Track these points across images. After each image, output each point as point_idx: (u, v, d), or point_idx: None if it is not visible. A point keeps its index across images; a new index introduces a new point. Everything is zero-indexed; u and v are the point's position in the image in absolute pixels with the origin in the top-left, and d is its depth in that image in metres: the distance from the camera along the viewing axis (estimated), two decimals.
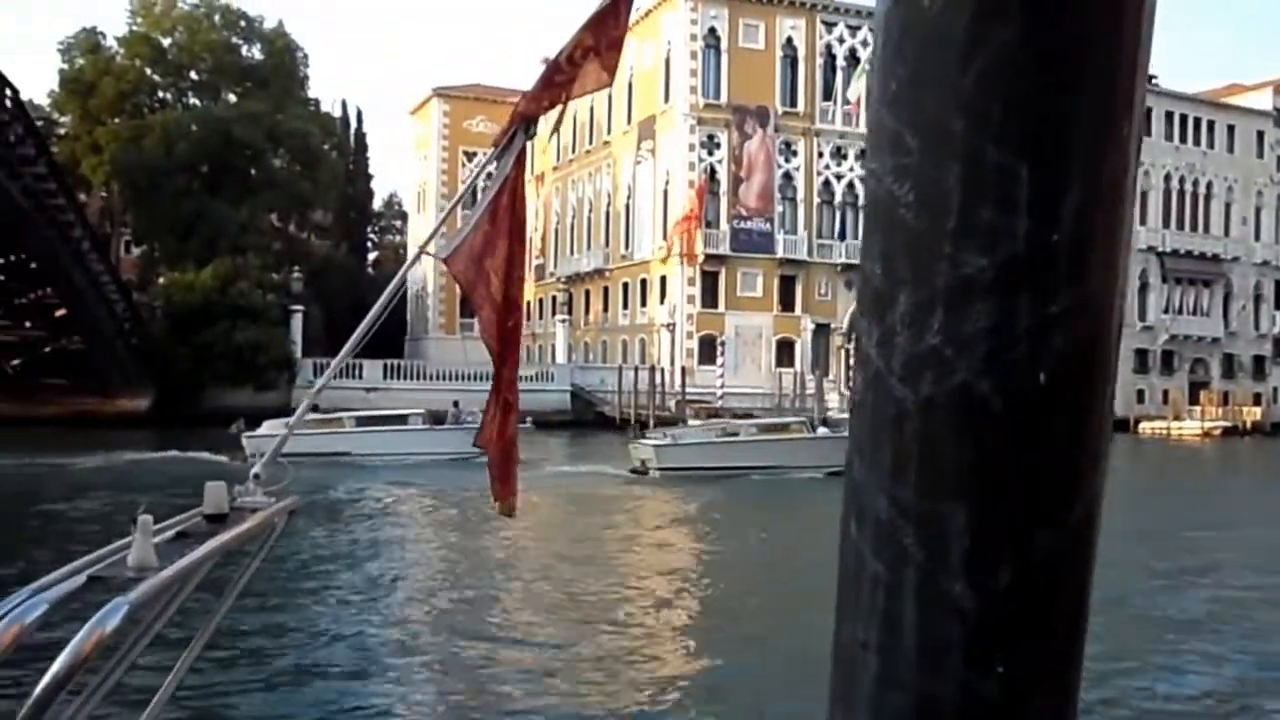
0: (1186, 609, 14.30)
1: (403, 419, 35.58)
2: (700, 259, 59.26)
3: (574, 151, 71.98)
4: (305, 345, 55.07)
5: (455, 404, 35.26)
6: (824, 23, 63.02)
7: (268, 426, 30.03)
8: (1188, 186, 72.09)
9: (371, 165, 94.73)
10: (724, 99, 61.20)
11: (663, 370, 54.47)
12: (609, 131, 68.47)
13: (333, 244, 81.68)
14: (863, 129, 57.24)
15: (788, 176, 62.71)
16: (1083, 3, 0.79)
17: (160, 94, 66.59)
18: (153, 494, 18.03)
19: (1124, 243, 0.84)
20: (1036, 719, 0.85)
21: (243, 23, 65.90)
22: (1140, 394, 66.11)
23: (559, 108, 3.68)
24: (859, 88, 61.26)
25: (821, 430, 31.91)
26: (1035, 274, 0.79)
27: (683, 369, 54.67)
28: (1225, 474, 43.21)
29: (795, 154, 62.88)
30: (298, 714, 9.76)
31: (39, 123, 52.87)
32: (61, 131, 65.60)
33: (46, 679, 1.62)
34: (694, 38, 60.85)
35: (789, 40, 62.48)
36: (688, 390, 51.40)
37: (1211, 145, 72.99)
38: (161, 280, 58.06)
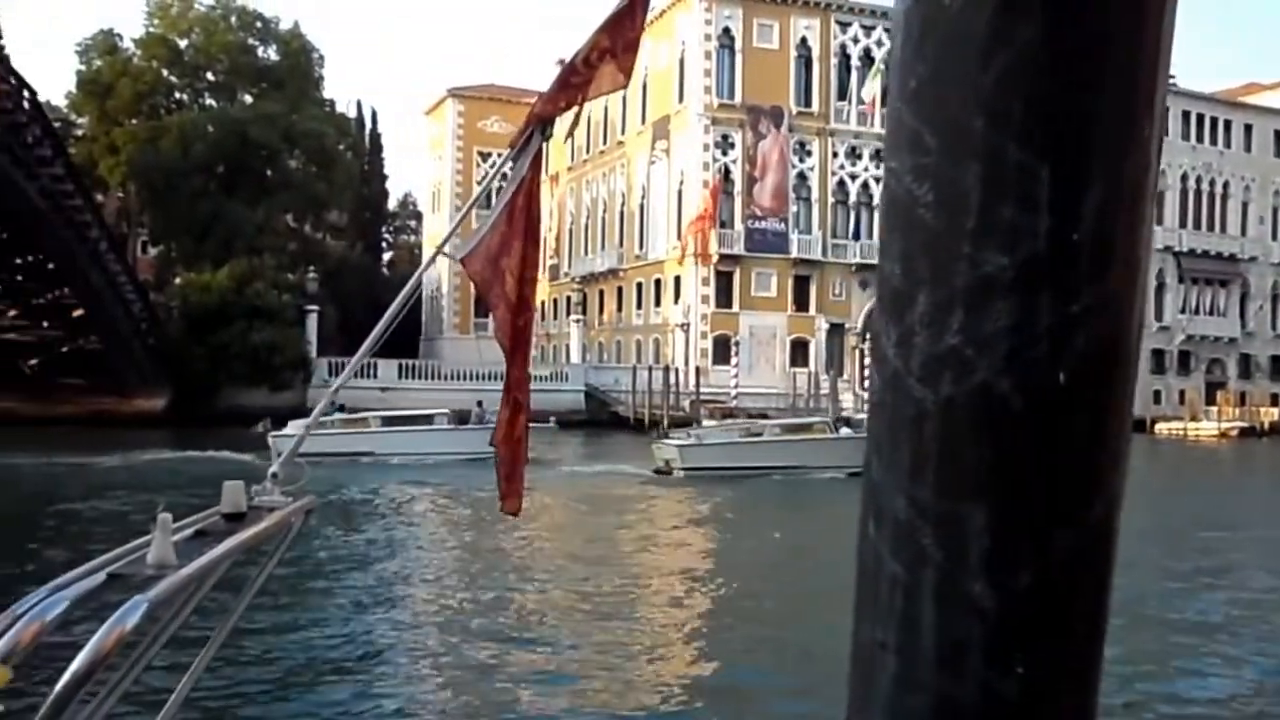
0: (1205, 611, 14.23)
1: (428, 419, 35.69)
2: (714, 259, 59.24)
3: (588, 151, 72.01)
4: (320, 345, 55.26)
5: (479, 404, 35.31)
6: (838, 22, 62.93)
7: (293, 427, 30.22)
8: (1204, 186, 71.76)
9: (386, 165, 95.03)
10: (738, 99, 61.16)
11: (677, 370, 54.49)
12: (623, 131, 68.50)
13: (348, 244, 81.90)
14: (877, 129, 57.31)
15: (802, 176, 62.65)
16: (1104, 1, 0.79)
17: (177, 95, 66.88)
18: (173, 493, 18.16)
19: (1145, 241, 0.84)
20: None
21: (259, 24, 66.16)
22: (1156, 394, 65.83)
23: (575, 109, 3.69)
24: (874, 87, 61.19)
25: (844, 431, 31.93)
26: (1056, 273, 0.79)
27: (697, 369, 54.66)
28: (1242, 475, 42.99)
29: (810, 154, 62.81)
30: (313, 713, 9.79)
31: (57, 124, 53.21)
32: (79, 132, 65.96)
33: (67, 676, 1.63)
34: (708, 38, 60.83)
35: (803, 40, 62.41)
36: (702, 390, 51.37)
37: (1229, 145, 72.64)
38: (178, 280, 58.31)
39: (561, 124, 3.84)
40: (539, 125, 3.60)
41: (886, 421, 0.87)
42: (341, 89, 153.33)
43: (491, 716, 9.73)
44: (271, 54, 66.80)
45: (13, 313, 48.68)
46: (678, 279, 61.43)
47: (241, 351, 51.00)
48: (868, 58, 62.65)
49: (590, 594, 14.72)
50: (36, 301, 48.25)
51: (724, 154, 61.22)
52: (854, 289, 62.27)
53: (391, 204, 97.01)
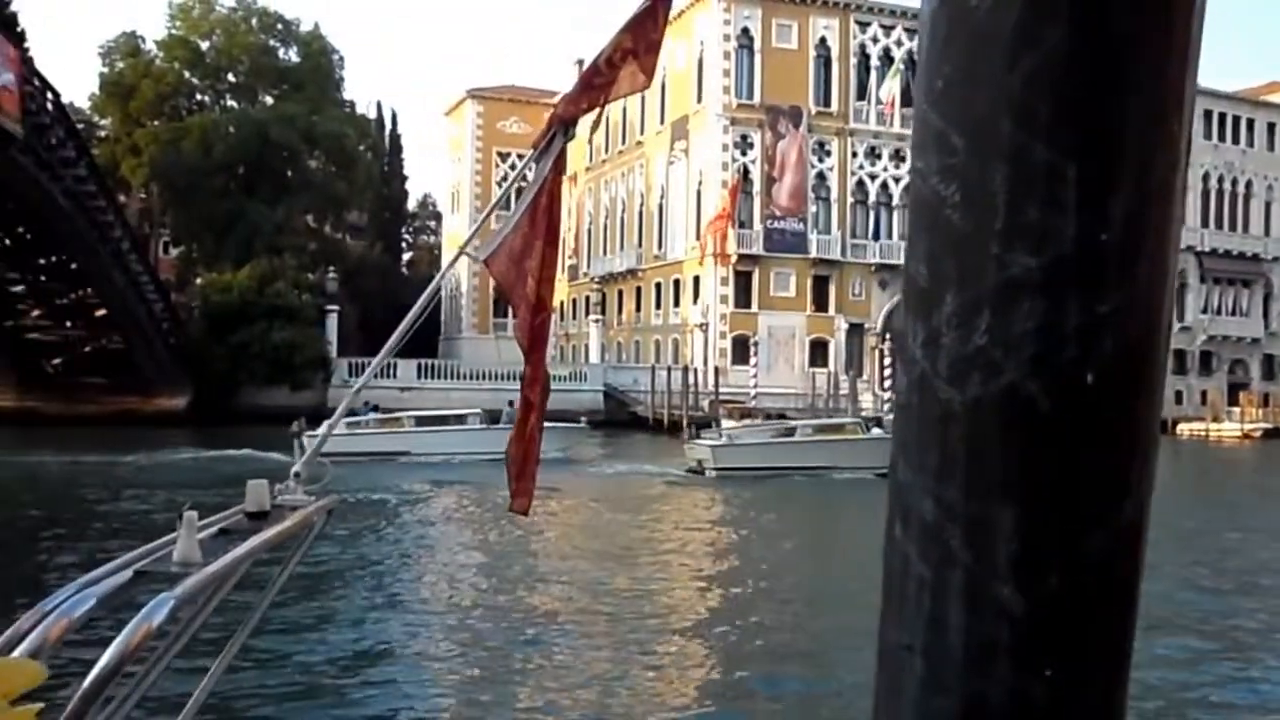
0: (1230, 614, 14.12)
1: (460, 419, 35.83)
2: (733, 259, 59.17)
3: (607, 151, 72.06)
4: (340, 345, 55.44)
5: (510, 403, 35.25)
6: (858, 22, 62.79)
7: (326, 426, 30.55)
8: (1226, 185, 71.29)
9: (406, 166, 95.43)
10: (757, 99, 61.09)
11: (696, 370, 54.45)
12: (642, 131, 68.51)
13: (367, 244, 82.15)
14: (897, 129, 57.08)
15: (821, 176, 62.53)
16: (1133, 1, 0.79)
17: (198, 96, 67.31)
18: (198, 492, 18.23)
19: (1174, 242, 0.83)
20: None
21: (279, 26, 66.48)
22: (1178, 395, 65.40)
23: (597, 110, 3.70)
24: (892, 87, 61.04)
25: (875, 431, 31.90)
26: (1084, 274, 0.79)
27: (716, 369, 54.61)
28: (1266, 476, 42.67)
29: (829, 154, 62.70)
30: (332, 711, 9.83)
31: (80, 125, 53.62)
32: (102, 134, 66.44)
33: (94, 672, 1.64)
34: (727, 38, 60.78)
35: (822, 40, 62.30)
36: (721, 390, 51.32)
37: (1251, 144, 72.16)
38: (199, 280, 58.67)
39: (583, 124, 3.85)
40: (561, 126, 3.61)
41: (913, 422, 0.87)
42: (362, 90, 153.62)
43: (514, 717, 9.75)
44: (292, 55, 67.12)
45: (36, 312, 48.99)
46: (696, 279, 61.39)
47: (262, 351, 51.24)
48: (887, 57, 62.50)
49: (624, 596, 14.63)
50: (60, 301, 48.55)
51: (743, 154, 61.16)
52: (873, 289, 62.12)
53: (411, 204, 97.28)
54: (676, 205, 64.71)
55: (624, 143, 70.58)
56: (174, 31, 64.56)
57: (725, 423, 40.22)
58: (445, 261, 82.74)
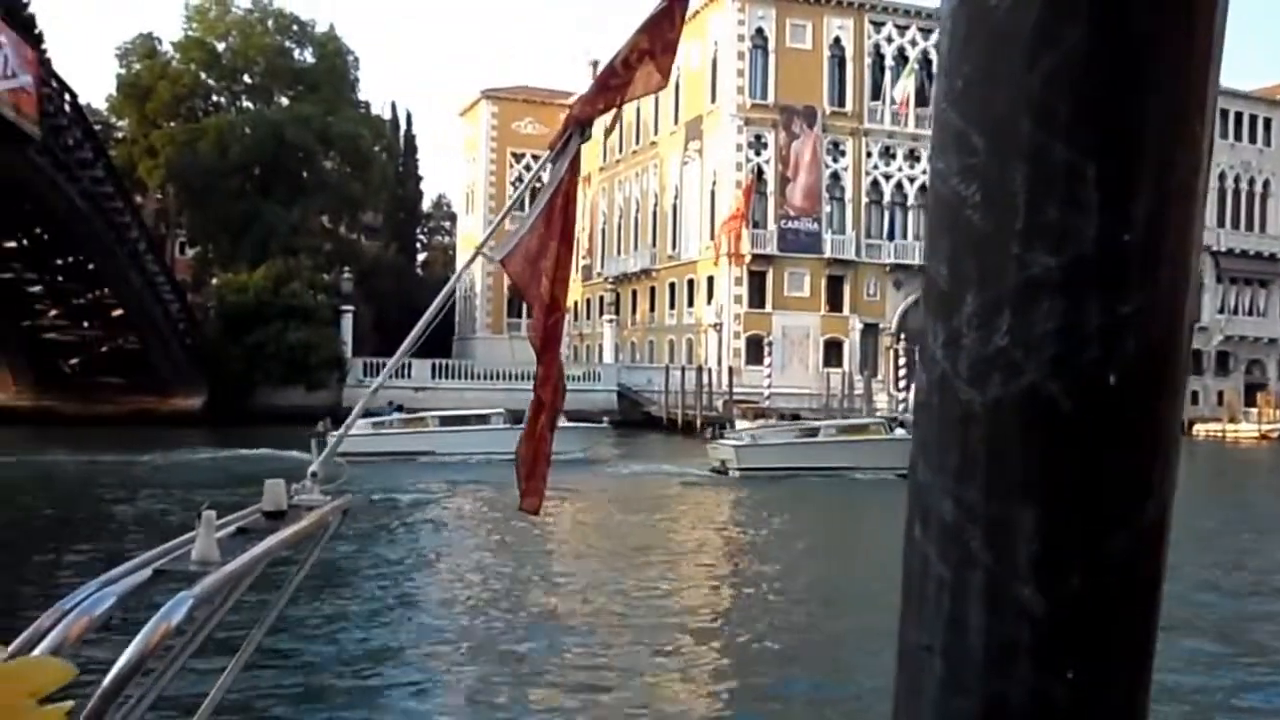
0: (1250, 617, 14.06)
1: (483, 418, 35.94)
2: (747, 259, 59.12)
3: (621, 152, 72.04)
4: (355, 345, 55.53)
5: None
6: (872, 22, 62.68)
7: (345, 426, 30.82)
8: (1243, 185, 70.91)
9: (421, 167, 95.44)
10: (771, 99, 61.03)
11: (709, 370, 54.42)
12: (656, 132, 68.49)
13: (382, 245, 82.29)
14: (911, 129, 56.84)
15: (835, 176, 62.44)
16: (1153, 0, 0.78)
17: (214, 98, 67.53)
18: (215, 491, 18.31)
19: (1195, 242, 0.82)
20: None
21: (295, 27, 66.67)
22: (1195, 395, 65.03)
23: (614, 110, 3.70)
24: (906, 86, 60.92)
25: (898, 432, 31.88)
26: (1106, 274, 0.78)
27: (730, 369, 54.57)
28: None
29: (843, 154, 62.60)
30: (348, 710, 9.85)
31: (97, 126, 53.88)
32: (119, 135, 66.70)
33: (115, 670, 1.65)
34: (741, 38, 60.73)
35: (837, 40, 62.20)
36: (735, 390, 51.28)
37: (1268, 143, 71.75)
38: (215, 281, 58.87)
39: (599, 125, 3.86)
40: (577, 128, 3.62)
41: (933, 423, 0.86)
42: (377, 91, 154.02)
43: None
44: (307, 56, 67.31)
45: (54, 312, 49.22)
46: (710, 279, 61.36)
47: (277, 351, 51.38)
48: (901, 57, 62.38)
49: (645, 597, 14.61)
50: (77, 301, 48.77)
51: (757, 154, 61.11)
52: (888, 289, 62.00)
53: (426, 205, 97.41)
54: (690, 205, 64.68)
55: (638, 143, 70.57)
56: (190, 33, 64.81)
57: (739, 423, 40.25)
58: (460, 262, 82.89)
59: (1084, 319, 0.78)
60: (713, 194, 62.32)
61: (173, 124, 63.81)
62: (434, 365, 53.18)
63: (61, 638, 1.68)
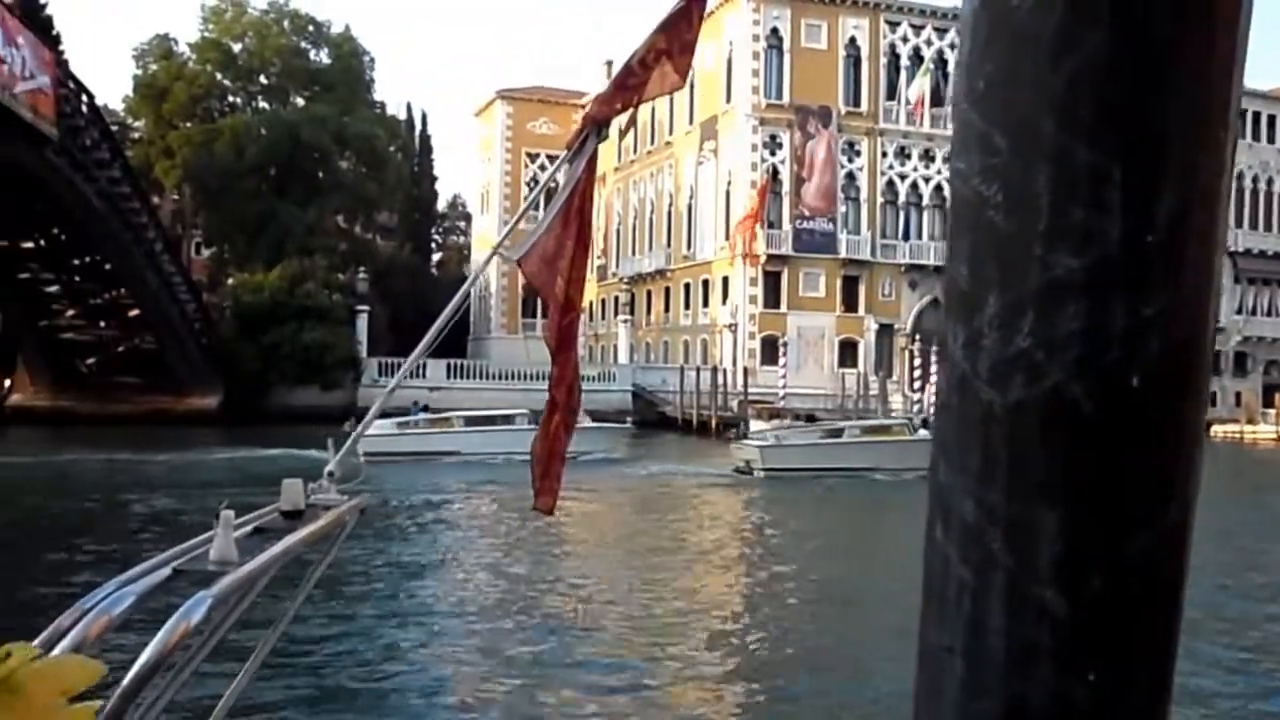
0: (1272, 618, 13.98)
1: (509, 419, 36.06)
2: (762, 259, 59.05)
3: (636, 152, 72.05)
4: (370, 345, 55.66)
5: None
6: (887, 22, 62.54)
7: (377, 426, 31.24)
8: (1261, 185, 70.50)
9: (436, 167, 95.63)
10: (786, 99, 60.95)
11: (724, 370, 54.37)
12: (671, 132, 68.47)
13: (397, 245, 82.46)
14: (926, 129, 56.51)
15: (851, 176, 62.33)
16: (1176, 3, 0.78)
17: (230, 98, 67.77)
18: (232, 491, 18.33)
19: (1219, 244, 0.82)
20: None
21: (311, 28, 66.88)
22: (1213, 397, 64.47)
23: (631, 110, 3.70)
24: (921, 86, 60.77)
25: (922, 433, 31.82)
26: (1129, 276, 0.78)
27: (745, 369, 54.49)
28: None
29: (858, 154, 62.48)
30: (364, 708, 9.87)
31: (114, 127, 54.14)
32: (136, 135, 67.00)
33: (134, 670, 1.65)
34: (756, 38, 60.66)
35: (852, 40, 62.08)
36: (749, 391, 51.23)
37: None
38: (230, 281, 59.07)
39: (615, 125, 3.85)
40: (594, 128, 3.62)
41: (954, 424, 0.86)
42: (392, 91, 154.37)
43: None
44: (323, 57, 67.51)
45: (71, 312, 49.46)
46: (726, 279, 61.32)
47: (292, 351, 51.51)
48: (917, 57, 62.24)
49: (668, 599, 14.58)
50: (94, 302, 49.00)
51: (772, 154, 61.02)
52: (903, 289, 61.86)
53: (441, 205, 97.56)
54: (705, 205, 64.63)
55: (653, 143, 70.56)
56: (206, 34, 65.07)
57: (754, 423, 40.21)
58: (475, 262, 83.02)
59: (1107, 320, 0.78)
60: (728, 194, 62.26)
61: (189, 124, 64.08)
62: (449, 365, 53.24)
63: (81, 637, 1.68)
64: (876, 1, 61.91)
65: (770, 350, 56.85)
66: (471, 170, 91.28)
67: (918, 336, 56.08)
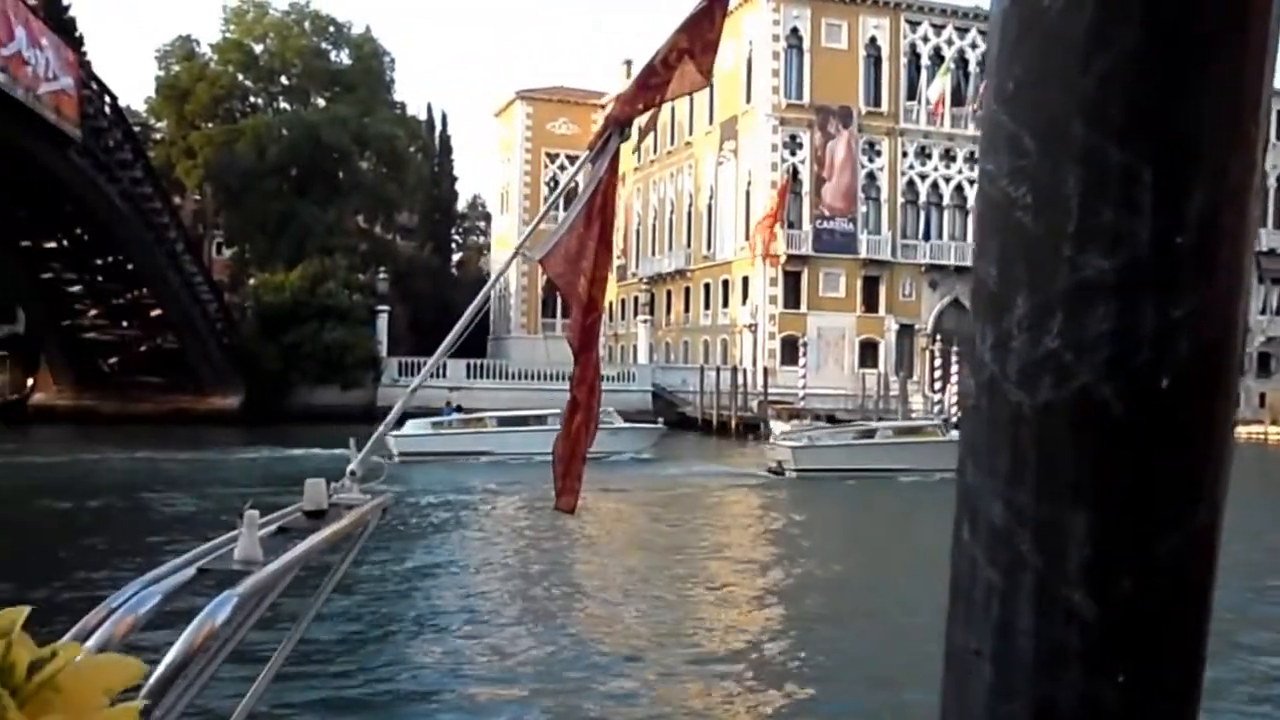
0: None
1: (541, 419, 36.18)
2: (782, 259, 58.92)
3: (655, 152, 72.02)
4: (390, 345, 55.78)
5: None
6: (908, 22, 62.32)
7: (411, 425, 31.88)
8: None
9: (456, 167, 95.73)
10: (807, 99, 60.81)
11: (744, 371, 54.25)
12: (691, 132, 68.41)
13: (417, 245, 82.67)
14: (947, 128, 56.10)
15: (871, 176, 62.14)
16: (1208, 2, 0.78)
17: (252, 99, 68.05)
18: (261, 490, 18.45)
19: (1249, 245, 0.82)
20: None
21: (331, 29, 67.08)
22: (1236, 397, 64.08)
23: (652, 111, 3.69)
24: (941, 85, 60.55)
25: (954, 434, 31.71)
26: (1159, 277, 0.78)
27: (764, 369, 54.36)
28: None
29: (879, 154, 62.29)
30: (384, 706, 9.88)
31: (137, 128, 54.48)
32: (158, 136, 67.40)
33: (160, 669, 1.66)
34: (776, 38, 60.54)
35: (872, 40, 61.90)
36: (769, 391, 51.12)
37: None
38: (252, 281, 59.31)
39: (635, 126, 3.85)
40: (617, 127, 3.61)
41: (982, 425, 0.86)
42: (412, 92, 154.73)
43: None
44: (344, 58, 67.71)
45: (94, 312, 49.75)
46: (745, 279, 61.21)
47: (313, 351, 51.66)
48: (938, 57, 62.01)
49: (700, 603, 14.55)
50: (116, 301, 49.28)
51: (792, 154, 60.90)
52: (924, 289, 61.63)
53: (461, 205, 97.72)
54: (725, 206, 64.55)
55: (673, 143, 70.52)
56: (228, 35, 65.37)
57: (774, 424, 40.13)
58: (494, 261, 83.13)
59: (1137, 322, 0.78)
60: (748, 194, 62.17)
61: (211, 125, 64.40)
62: (469, 365, 53.29)
63: (108, 635, 1.69)
64: (897, 1, 61.70)
65: (790, 350, 56.76)
66: (491, 170, 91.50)
67: (938, 337, 55.81)
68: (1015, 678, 0.84)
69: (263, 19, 65.58)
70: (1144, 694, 0.81)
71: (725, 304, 63.81)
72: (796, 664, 11.65)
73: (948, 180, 62.52)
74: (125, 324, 50.60)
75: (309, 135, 60.55)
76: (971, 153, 60.92)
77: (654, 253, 73.09)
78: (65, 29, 47.00)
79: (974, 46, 62.12)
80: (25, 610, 0.81)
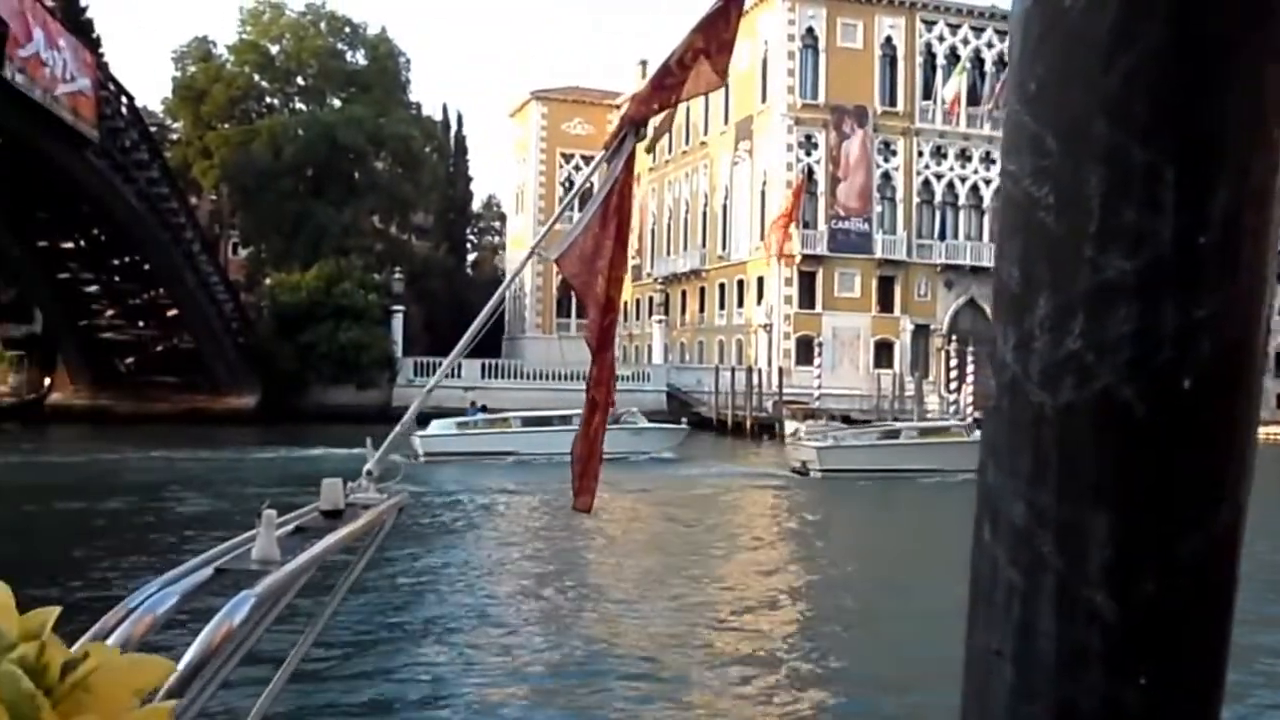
0: None
1: (566, 419, 36.22)
2: (797, 259, 58.84)
3: (671, 152, 71.98)
4: (405, 345, 55.89)
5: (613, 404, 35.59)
6: (924, 21, 62.18)
7: (437, 426, 32.09)
8: None
9: (471, 167, 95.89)
10: (822, 99, 60.71)
11: (759, 371, 54.19)
12: (706, 132, 68.38)
13: (433, 245, 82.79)
14: (962, 128, 55.88)
15: (886, 176, 62.00)
16: (1231, 0, 0.77)
17: (268, 99, 68.31)
18: (277, 489, 18.47)
19: (1272, 244, 0.81)
20: None
21: (347, 29, 67.28)
22: None
23: (668, 112, 3.69)
24: (957, 84, 60.36)
25: (978, 434, 31.64)
26: (1181, 277, 0.78)
27: (779, 370, 54.29)
28: None
29: (894, 154, 62.15)
30: (400, 707, 9.90)
31: (153, 129, 54.70)
32: (174, 137, 67.71)
33: (178, 670, 1.66)
34: (792, 38, 60.46)
35: (888, 39, 61.77)
36: (784, 391, 51.06)
37: None
38: (268, 281, 59.51)
39: (650, 126, 3.84)
40: (633, 127, 3.60)
41: (1004, 426, 0.86)
42: (428, 92, 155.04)
43: None
44: (359, 59, 67.89)
45: (110, 312, 49.98)
46: (760, 279, 61.14)
47: (329, 350, 51.80)
48: (953, 56, 61.83)
49: (740, 605, 14.50)
50: (133, 302, 49.50)
51: (807, 154, 60.81)
52: (939, 289, 61.46)
53: (476, 205, 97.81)
54: (740, 206, 64.50)
55: (688, 143, 70.49)
56: (244, 36, 65.62)
57: (789, 424, 40.07)
58: (509, 261, 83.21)
59: (1159, 322, 0.78)
60: (763, 194, 62.10)
61: (227, 126, 64.66)
62: (484, 365, 53.35)
63: (126, 636, 1.69)
64: (913, 1, 61.57)
65: (805, 350, 56.64)
66: (506, 170, 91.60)
67: (954, 337, 55.66)
68: (1036, 679, 0.83)
69: (279, 20, 65.81)
70: (1166, 696, 0.81)
71: (740, 304, 63.76)
72: (828, 665, 11.61)
73: (963, 180, 62.35)
74: (142, 324, 50.82)
75: (325, 136, 60.73)
76: (987, 152, 60.77)
77: (669, 253, 73.08)
78: (83, 30, 47.24)
79: (989, 46, 61.97)
80: (55, 611, 0.81)
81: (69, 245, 46.44)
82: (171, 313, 48.53)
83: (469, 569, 16.96)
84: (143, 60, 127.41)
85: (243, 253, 69.56)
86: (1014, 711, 0.85)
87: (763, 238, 60.06)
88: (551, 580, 16.18)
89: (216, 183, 65.97)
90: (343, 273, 54.87)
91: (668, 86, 3.61)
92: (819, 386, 51.35)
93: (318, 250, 57.63)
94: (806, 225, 59.76)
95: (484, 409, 38.61)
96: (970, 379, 45.43)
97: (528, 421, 36.65)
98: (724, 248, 66.46)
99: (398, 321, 56.30)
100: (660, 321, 63.78)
